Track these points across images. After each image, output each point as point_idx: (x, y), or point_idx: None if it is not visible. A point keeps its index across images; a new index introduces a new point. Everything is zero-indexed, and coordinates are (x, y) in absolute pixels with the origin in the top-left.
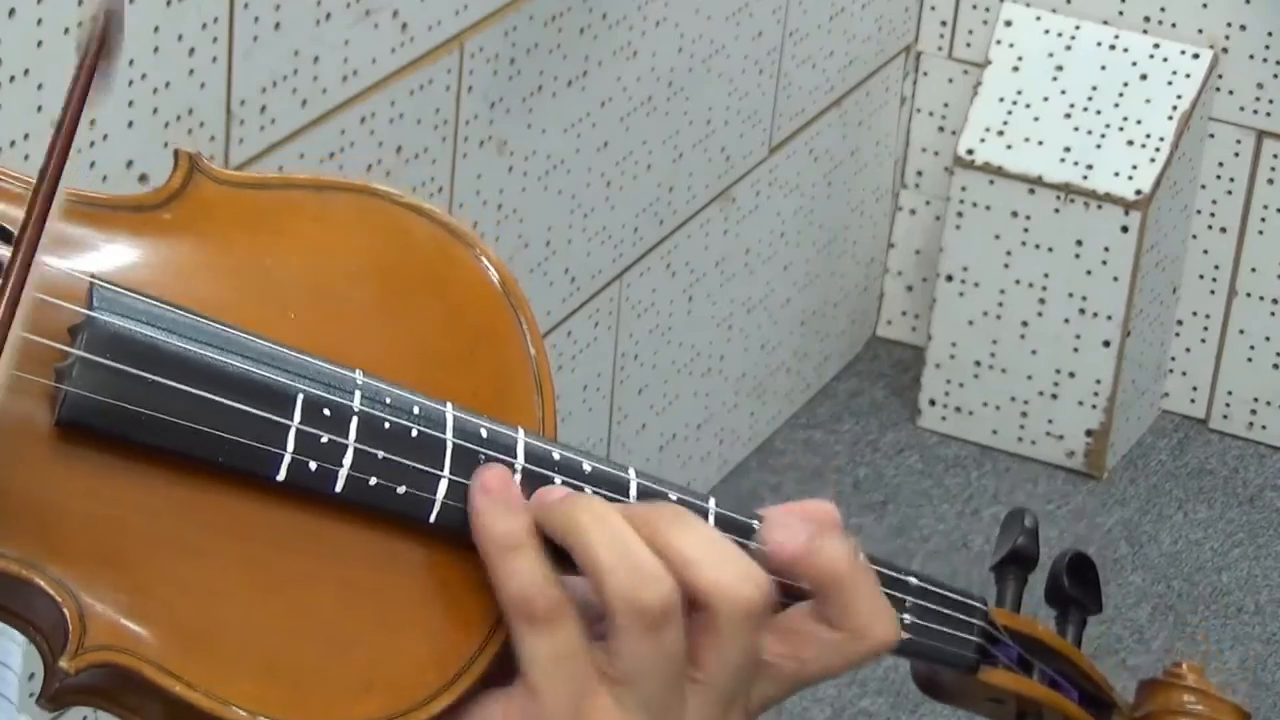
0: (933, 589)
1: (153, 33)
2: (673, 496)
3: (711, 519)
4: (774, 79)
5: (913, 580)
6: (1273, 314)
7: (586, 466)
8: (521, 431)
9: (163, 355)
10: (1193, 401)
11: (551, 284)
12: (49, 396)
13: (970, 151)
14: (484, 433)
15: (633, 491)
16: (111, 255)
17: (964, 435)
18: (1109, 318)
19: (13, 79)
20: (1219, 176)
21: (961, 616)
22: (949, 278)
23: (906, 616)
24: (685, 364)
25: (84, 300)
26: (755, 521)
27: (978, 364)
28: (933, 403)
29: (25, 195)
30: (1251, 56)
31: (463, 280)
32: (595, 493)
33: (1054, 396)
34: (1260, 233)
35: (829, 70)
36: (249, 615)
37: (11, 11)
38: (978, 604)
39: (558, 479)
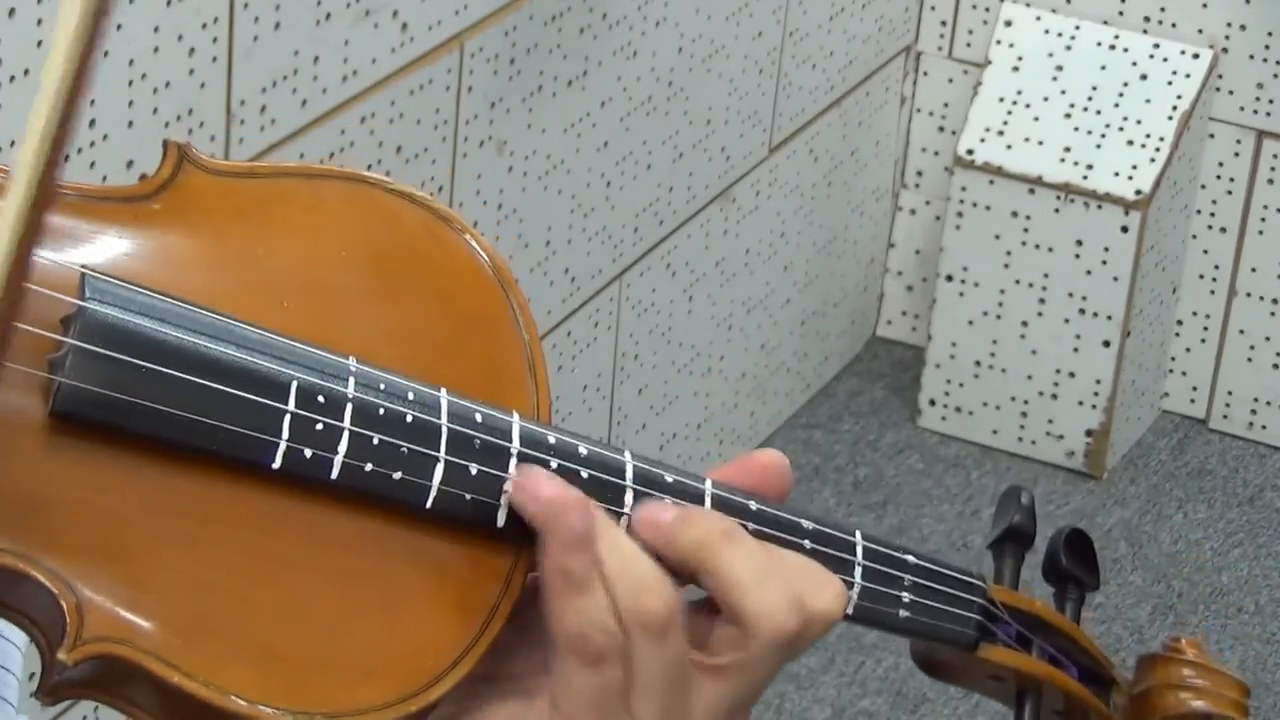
0: (931, 567)
1: (153, 33)
2: (669, 479)
3: (708, 500)
4: (774, 79)
5: (911, 559)
6: (1273, 314)
7: (582, 450)
8: (516, 416)
9: (156, 344)
10: (1193, 401)
11: (551, 284)
12: (42, 388)
13: (970, 151)
14: (479, 417)
15: (628, 474)
16: (102, 246)
17: (964, 435)
18: (1109, 318)
19: (13, 79)
20: (1219, 176)
21: (960, 594)
22: (949, 278)
23: (905, 595)
24: (685, 364)
25: (76, 291)
26: (751, 503)
27: (978, 364)
28: (933, 403)
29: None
30: (1251, 56)
31: (455, 266)
32: (591, 476)
33: (1054, 396)
34: (1260, 233)
35: (829, 70)
36: (246, 604)
37: (11, 11)
38: (976, 581)
39: (553, 463)
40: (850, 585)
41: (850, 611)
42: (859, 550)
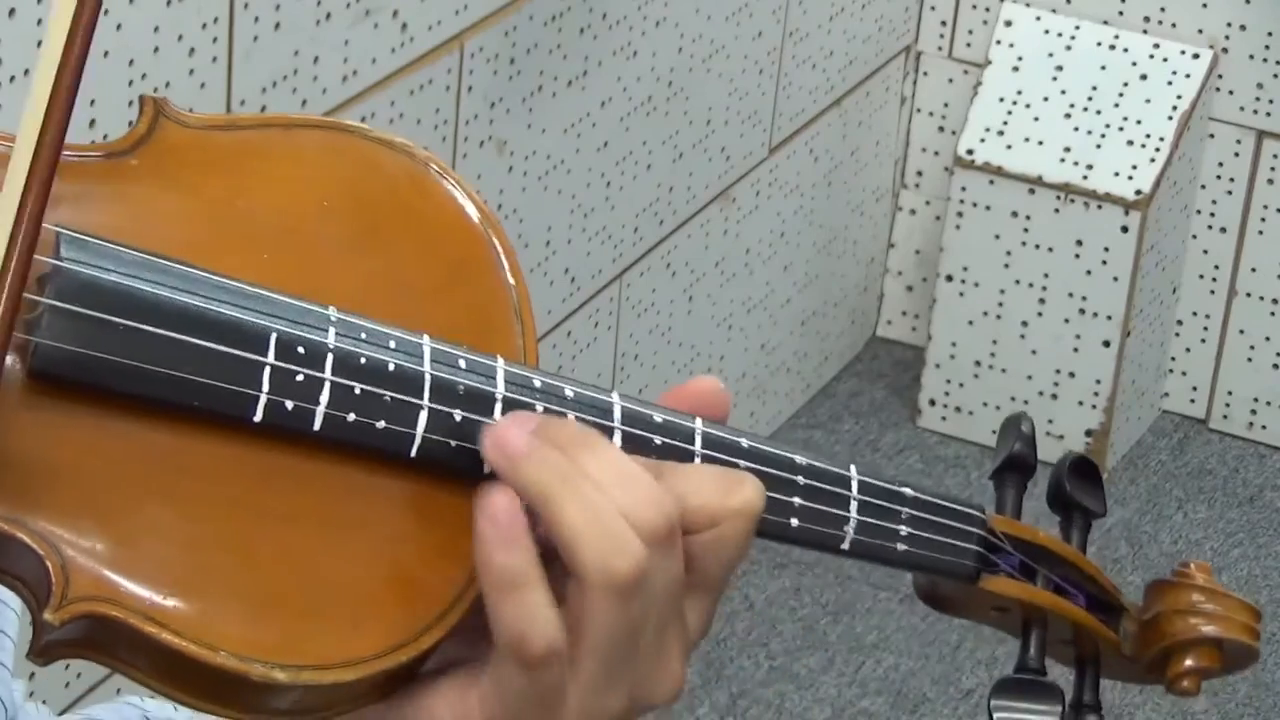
0: (929, 499)
1: (153, 33)
2: (658, 419)
3: (699, 439)
4: (774, 79)
5: (908, 491)
6: (1273, 314)
7: (568, 392)
8: (501, 360)
9: (133, 300)
10: (1193, 401)
11: (551, 284)
12: (20, 348)
13: (970, 151)
14: (463, 363)
15: (617, 415)
16: (79, 204)
17: (964, 435)
18: (1109, 318)
19: (13, 79)
20: (1219, 176)
21: (959, 525)
22: (949, 278)
23: (903, 528)
24: (685, 364)
25: (52, 250)
26: (743, 440)
27: (978, 364)
28: (933, 403)
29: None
30: (1251, 56)
31: (438, 213)
32: (578, 419)
33: (1054, 396)
34: (1260, 233)
35: (829, 70)
36: (233, 560)
37: (11, 11)
38: (975, 512)
39: (539, 406)
40: (846, 521)
41: (847, 547)
42: (854, 485)
